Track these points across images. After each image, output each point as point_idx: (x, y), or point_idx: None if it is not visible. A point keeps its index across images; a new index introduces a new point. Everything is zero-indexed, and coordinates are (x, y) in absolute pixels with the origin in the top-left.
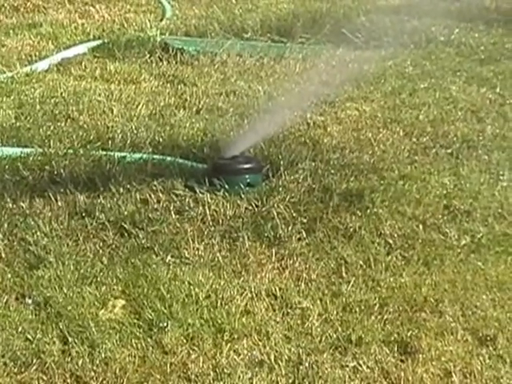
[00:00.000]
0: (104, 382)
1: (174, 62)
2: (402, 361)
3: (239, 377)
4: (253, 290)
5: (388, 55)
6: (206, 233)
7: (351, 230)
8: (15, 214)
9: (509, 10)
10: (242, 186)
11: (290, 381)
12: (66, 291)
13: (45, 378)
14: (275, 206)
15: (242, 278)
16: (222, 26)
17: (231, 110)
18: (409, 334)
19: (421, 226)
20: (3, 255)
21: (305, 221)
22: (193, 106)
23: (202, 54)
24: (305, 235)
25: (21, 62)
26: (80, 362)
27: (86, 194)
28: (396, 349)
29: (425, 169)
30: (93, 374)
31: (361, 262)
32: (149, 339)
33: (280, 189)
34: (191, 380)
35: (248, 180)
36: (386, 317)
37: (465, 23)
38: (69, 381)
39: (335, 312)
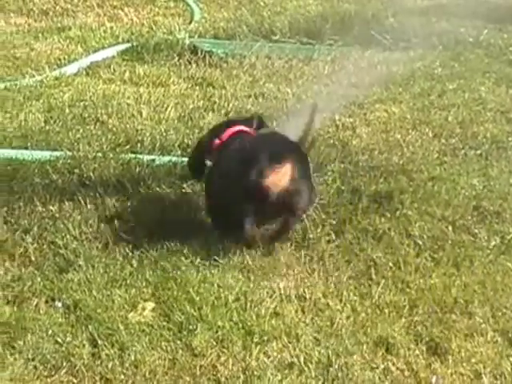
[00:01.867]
0: None
1: (202, 65)
2: (431, 362)
3: (269, 379)
4: (282, 292)
5: (417, 56)
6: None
7: (380, 231)
8: (45, 217)
9: None
10: None
11: (320, 383)
12: (95, 294)
13: (75, 381)
14: None
15: (271, 280)
16: (251, 28)
17: (260, 113)
18: (439, 336)
19: (450, 228)
20: (33, 259)
21: (334, 223)
22: (221, 109)
23: (231, 56)
24: (334, 237)
25: (50, 65)
26: (110, 365)
27: (116, 197)
28: (426, 350)
29: (454, 170)
30: (122, 376)
31: (390, 264)
32: (178, 342)
33: None
34: (221, 382)
35: None
36: (415, 318)
37: (493, 24)
38: (98, 383)
39: (365, 314)
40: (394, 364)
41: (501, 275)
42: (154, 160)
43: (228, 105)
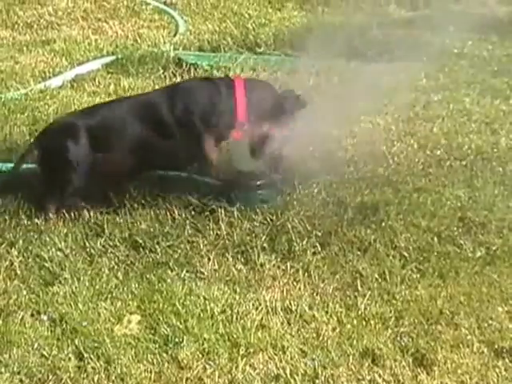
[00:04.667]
0: None
1: (187, 78)
2: (418, 373)
3: None
4: (268, 304)
5: (401, 68)
6: (220, 247)
7: (366, 243)
8: (30, 230)
9: None
10: (256, 202)
11: None
12: (81, 307)
13: None
14: (290, 219)
15: (257, 293)
16: (236, 40)
17: None
18: (425, 347)
19: (436, 239)
20: (19, 272)
21: (319, 234)
22: None
23: (216, 68)
24: (320, 249)
25: (34, 78)
26: (96, 378)
27: (101, 210)
28: (412, 361)
29: (439, 181)
30: None
31: (376, 275)
32: (164, 354)
33: (295, 203)
34: None
35: (261, 196)
36: (401, 329)
37: (478, 35)
38: None
39: (350, 325)
40: (380, 375)
41: (486, 286)
42: None
43: None
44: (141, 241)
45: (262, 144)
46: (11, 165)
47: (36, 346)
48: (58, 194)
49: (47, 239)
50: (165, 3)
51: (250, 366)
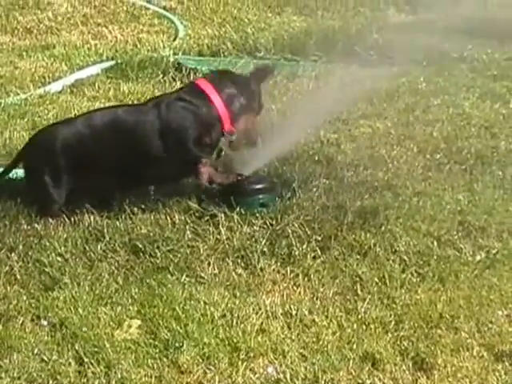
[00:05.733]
0: None
1: (187, 82)
2: (418, 377)
3: None
4: (268, 308)
5: (401, 72)
6: (220, 252)
7: (366, 247)
8: (30, 235)
9: None
10: (255, 206)
11: None
12: (81, 312)
13: None
14: (290, 224)
15: (257, 297)
16: (235, 45)
17: None
18: (425, 351)
19: (435, 243)
20: (18, 277)
21: (319, 238)
22: None
23: None
24: (319, 253)
25: (34, 83)
26: (96, 383)
27: (101, 215)
28: (412, 365)
29: (439, 185)
30: None
31: (376, 279)
32: (165, 359)
33: (294, 207)
34: None
35: (261, 200)
36: (401, 334)
37: (477, 39)
38: None
39: (350, 329)
40: (380, 380)
41: (486, 290)
42: None
43: None
44: (141, 245)
45: (252, 135)
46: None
47: (36, 351)
48: (44, 203)
49: (47, 244)
50: (164, 8)
51: (250, 370)
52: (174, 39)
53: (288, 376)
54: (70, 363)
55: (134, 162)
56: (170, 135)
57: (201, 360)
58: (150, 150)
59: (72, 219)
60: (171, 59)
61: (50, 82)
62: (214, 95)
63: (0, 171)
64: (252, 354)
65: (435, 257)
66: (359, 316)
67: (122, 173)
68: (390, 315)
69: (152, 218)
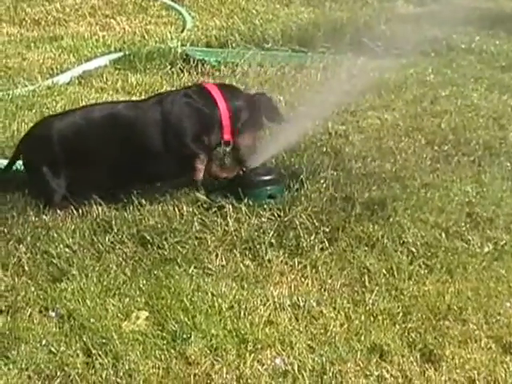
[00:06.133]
0: None
1: (195, 73)
2: (425, 369)
3: None
4: (276, 300)
5: (409, 63)
6: (228, 243)
7: (374, 238)
8: (38, 226)
9: None
10: (263, 198)
11: None
12: (89, 303)
13: None
14: (297, 215)
15: (264, 288)
16: (243, 36)
17: None
18: (432, 343)
19: (443, 234)
20: (26, 268)
21: (327, 230)
22: None
23: (223, 64)
24: (327, 244)
25: (42, 74)
26: (104, 374)
27: (109, 206)
28: (420, 357)
29: (447, 177)
30: None
31: (384, 271)
32: (172, 350)
33: (302, 198)
34: None
35: (269, 192)
36: (409, 325)
37: (485, 30)
38: None
39: (358, 321)
40: (388, 371)
41: (494, 282)
42: None
43: None
44: (149, 237)
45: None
46: (19, 162)
47: (44, 342)
48: (44, 194)
49: (55, 235)
50: None
51: (258, 361)
52: (182, 30)
53: (296, 367)
54: (77, 354)
55: (133, 157)
56: (170, 129)
57: (208, 351)
58: (150, 145)
59: (80, 211)
60: (179, 50)
61: (58, 74)
62: (220, 101)
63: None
64: (260, 346)
65: (443, 248)
66: (367, 307)
67: (120, 168)
68: (398, 307)
69: (160, 209)
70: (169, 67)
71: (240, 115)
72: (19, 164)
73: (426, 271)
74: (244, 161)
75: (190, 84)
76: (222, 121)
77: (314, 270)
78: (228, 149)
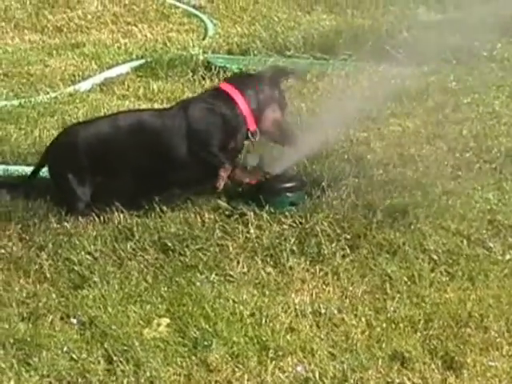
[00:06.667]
0: None
1: (216, 81)
2: (447, 376)
3: None
4: (297, 307)
5: (430, 71)
6: (250, 250)
7: (395, 246)
8: (60, 233)
9: None
10: (285, 205)
11: None
12: (110, 310)
13: None
14: (319, 222)
15: (286, 296)
16: (265, 43)
17: None
18: (454, 350)
19: (465, 242)
20: (48, 275)
21: (349, 237)
22: None
23: (245, 72)
24: (349, 252)
25: (64, 82)
26: (125, 381)
27: (131, 213)
28: (441, 364)
29: (468, 184)
30: None
31: (405, 278)
32: (193, 357)
33: (324, 205)
34: None
35: (290, 199)
36: (430, 333)
37: (507, 38)
38: None
39: (380, 328)
40: (409, 379)
41: None
42: None
43: None
44: (170, 244)
45: (280, 132)
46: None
47: (65, 349)
48: (69, 202)
49: (77, 242)
50: (194, 6)
51: (279, 368)
52: (204, 38)
53: (317, 375)
54: (99, 361)
55: (158, 164)
56: (195, 138)
57: (230, 358)
58: (175, 153)
59: (102, 218)
60: (201, 58)
61: (79, 81)
62: (238, 97)
63: (30, 170)
64: (281, 353)
65: (465, 256)
66: (388, 315)
67: (144, 176)
68: (419, 314)
69: (181, 216)
70: (190, 74)
71: (258, 100)
72: (42, 171)
73: (448, 278)
74: (288, 136)
75: None
76: (244, 115)
77: (335, 277)
78: (256, 138)
